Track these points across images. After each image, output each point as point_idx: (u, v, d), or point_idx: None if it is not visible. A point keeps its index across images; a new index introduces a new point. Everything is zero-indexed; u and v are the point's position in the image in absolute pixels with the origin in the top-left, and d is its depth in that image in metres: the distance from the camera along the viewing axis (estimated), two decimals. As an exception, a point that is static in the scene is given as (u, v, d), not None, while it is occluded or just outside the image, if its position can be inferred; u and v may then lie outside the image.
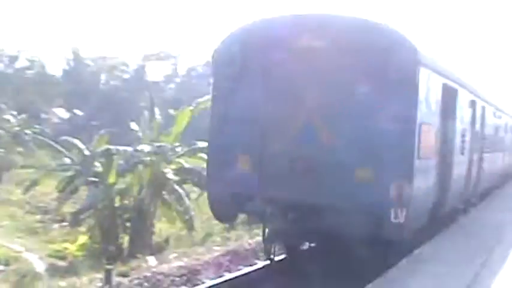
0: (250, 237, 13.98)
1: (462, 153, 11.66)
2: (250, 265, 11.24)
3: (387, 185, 8.05)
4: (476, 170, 13.69)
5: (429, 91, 8.95)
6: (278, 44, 8.65)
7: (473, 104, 12.71)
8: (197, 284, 9.66)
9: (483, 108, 14.13)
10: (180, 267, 10.67)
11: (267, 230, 9.25)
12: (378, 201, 8.05)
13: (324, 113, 8.46)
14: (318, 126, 8.53)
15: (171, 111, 14.89)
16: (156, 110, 15.72)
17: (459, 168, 11.48)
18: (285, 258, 10.38)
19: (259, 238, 11.42)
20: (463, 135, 11.62)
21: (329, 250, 9.13)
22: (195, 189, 15.09)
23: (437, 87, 9.41)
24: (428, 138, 9.03)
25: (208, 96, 11.67)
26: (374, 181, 8.09)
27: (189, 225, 12.91)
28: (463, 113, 11.65)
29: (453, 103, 10.70)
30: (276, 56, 8.70)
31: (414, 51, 8.31)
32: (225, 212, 9.15)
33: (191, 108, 14.67)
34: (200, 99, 14.89)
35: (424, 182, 8.88)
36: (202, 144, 14.09)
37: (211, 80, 9.89)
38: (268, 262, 9.73)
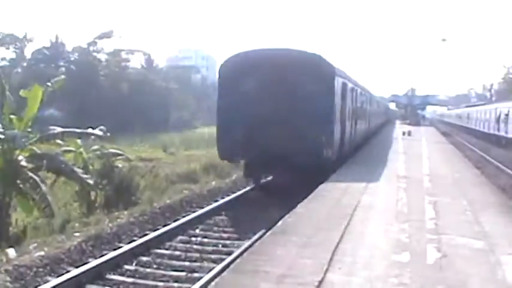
0: (110, 221, 13.95)
1: (349, 120, 21.12)
2: (114, 249, 11.40)
3: (322, 138, 16.52)
4: (355, 129, 23.75)
5: (338, 88, 17.83)
6: (256, 64, 16.94)
7: (352, 90, 22.07)
8: (62, 274, 9.58)
9: (357, 91, 24.07)
10: (42, 257, 10.42)
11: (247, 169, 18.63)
12: (318, 146, 16.44)
13: (287, 103, 16.47)
14: (283, 110, 16.42)
15: (22, 93, 14.24)
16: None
17: (348, 128, 21.09)
18: (253, 187, 19.36)
19: (120, 221, 12.77)
20: (348, 110, 20.92)
21: (282, 181, 16.60)
22: (49, 175, 14.69)
23: (340, 85, 18.49)
24: (338, 113, 17.91)
25: (59, 77, 15.82)
26: (315, 137, 16.36)
27: (48, 213, 12.57)
28: (348, 97, 20.48)
29: (345, 92, 19.58)
30: (254, 71, 16.92)
31: (333, 68, 17.44)
32: (228, 155, 17.83)
33: (43, 89, 14.17)
34: (52, 80, 14.47)
35: (337, 136, 17.83)
36: (59, 129, 13.89)
37: (218, 83, 17.75)
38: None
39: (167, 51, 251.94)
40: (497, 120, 46.80)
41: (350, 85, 21.31)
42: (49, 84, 14.17)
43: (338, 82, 17.87)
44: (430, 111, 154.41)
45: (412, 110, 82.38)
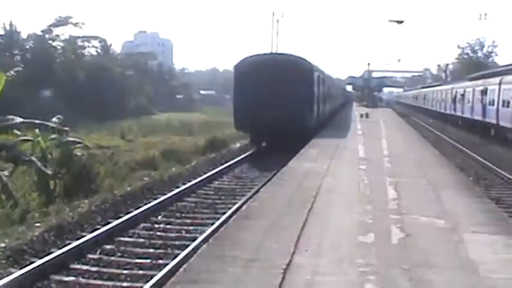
0: (71, 210, 13.75)
1: (321, 101, 30.18)
2: (77, 238, 11.27)
3: (305, 112, 25.18)
4: (324, 108, 33.08)
5: (315, 80, 27.02)
6: (260, 64, 25.24)
7: (323, 79, 31.42)
8: (26, 265, 9.41)
9: (324, 80, 33.08)
10: (4, 249, 10.23)
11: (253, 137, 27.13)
12: (303, 118, 24.75)
13: (282, 91, 24.25)
14: (279, 95, 24.13)
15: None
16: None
17: (321, 106, 30.43)
18: (254, 151, 26.27)
19: (82, 210, 12.99)
20: (321, 94, 29.98)
21: (275, 145, 24.14)
22: (7, 165, 14.34)
23: (316, 77, 27.41)
24: (315, 97, 27.03)
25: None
26: (301, 113, 24.66)
27: (10, 203, 12.28)
28: (320, 85, 29.57)
29: (318, 81, 28.44)
30: (259, 69, 24.94)
31: (312, 66, 27.13)
32: (240, 127, 26.27)
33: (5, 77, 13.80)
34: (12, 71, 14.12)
35: (315, 111, 27.05)
36: (18, 119, 13.51)
37: (234, 77, 26.23)
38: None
39: (123, 36, 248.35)
40: (454, 100, 47.81)
41: (321, 76, 31.45)
42: (9, 74, 13.76)
43: (314, 75, 27.53)
44: (386, 92, 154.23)
45: (369, 92, 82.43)
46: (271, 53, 32.07)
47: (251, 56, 27.10)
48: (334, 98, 46.08)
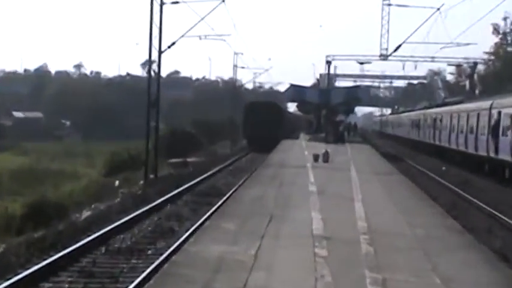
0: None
1: (284, 125, 55.87)
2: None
3: (279, 130, 49.83)
4: (286, 129, 56.97)
5: (284, 114, 59.77)
6: (255, 106, 52.28)
7: (284, 112, 63.26)
8: None
9: (286, 113, 66.06)
10: None
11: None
12: (279, 133, 49.10)
13: (267, 120, 47.93)
14: (266, 123, 47.35)
15: None
16: None
17: (286, 128, 57.89)
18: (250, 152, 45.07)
19: None
20: (284, 121, 55.89)
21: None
22: None
23: (284, 113, 61.09)
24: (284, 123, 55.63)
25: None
26: (278, 130, 49.24)
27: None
28: (284, 116, 57.57)
29: (284, 114, 60.35)
30: (255, 108, 50.73)
31: (281, 107, 60.39)
32: (246, 138, 52.37)
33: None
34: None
35: (285, 129, 55.24)
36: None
37: (243, 113, 52.14)
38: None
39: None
40: None
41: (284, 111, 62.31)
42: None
43: (284, 112, 59.04)
44: (362, 115, 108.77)
45: (330, 115, 49.82)
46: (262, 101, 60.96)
47: (251, 102, 56.07)
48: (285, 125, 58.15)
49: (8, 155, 41.71)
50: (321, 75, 66.66)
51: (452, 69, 69.46)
